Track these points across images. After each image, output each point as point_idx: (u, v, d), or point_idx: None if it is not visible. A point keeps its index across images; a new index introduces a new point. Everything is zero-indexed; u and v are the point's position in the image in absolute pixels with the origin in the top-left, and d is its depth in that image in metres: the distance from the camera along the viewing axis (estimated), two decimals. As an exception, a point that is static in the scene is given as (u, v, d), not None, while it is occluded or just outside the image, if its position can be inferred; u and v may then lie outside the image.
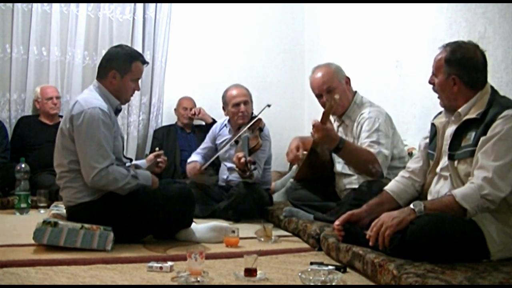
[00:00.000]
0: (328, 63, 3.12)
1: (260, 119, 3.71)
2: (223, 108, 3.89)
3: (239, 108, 3.76)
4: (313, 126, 2.67)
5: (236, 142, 3.68)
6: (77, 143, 2.58)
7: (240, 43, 5.21)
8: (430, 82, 2.25)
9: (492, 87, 2.16)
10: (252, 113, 3.87)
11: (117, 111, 2.81)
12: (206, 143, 4.06)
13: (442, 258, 1.90)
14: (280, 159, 4.52)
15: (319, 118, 2.72)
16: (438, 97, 2.24)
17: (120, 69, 2.71)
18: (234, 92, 3.81)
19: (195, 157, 3.97)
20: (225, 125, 3.97)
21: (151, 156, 3.07)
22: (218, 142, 3.98)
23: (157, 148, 3.21)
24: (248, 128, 3.63)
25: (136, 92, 2.90)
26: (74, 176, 2.61)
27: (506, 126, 1.98)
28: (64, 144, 2.63)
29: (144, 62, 2.81)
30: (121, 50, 2.80)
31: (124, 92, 2.77)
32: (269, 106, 3.65)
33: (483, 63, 2.15)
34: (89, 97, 2.67)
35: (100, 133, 2.57)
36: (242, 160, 3.29)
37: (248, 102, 3.79)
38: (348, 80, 3.07)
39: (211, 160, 3.74)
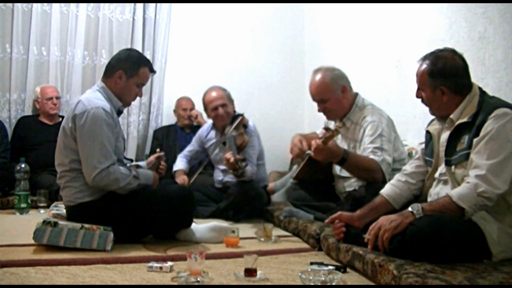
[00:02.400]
0: (326, 69, 3.04)
1: (243, 117, 3.70)
2: (205, 110, 3.90)
3: (217, 112, 3.76)
4: (314, 149, 2.65)
5: (224, 143, 3.68)
6: (79, 143, 2.59)
7: (240, 43, 5.21)
8: (417, 96, 2.26)
9: (480, 88, 2.17)
10: (235, 111, 3.85)
11: (119, 112, 2.82)
12: (193, 146, 4.07)
13: (442, 259, 1.90)
14: (280, 159, 4.52)
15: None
16: (429, 110, 2.25)
17: (128, 70, 2.74)
18: (210, 95, 3.80)
19: (180, 164, 3.97)
20: (211, 128, 3.96)
21: (152, 158, 3.07)
22: (207, 146, 3.98)
23: (157, 149, 3.20)
24: (233, 127, 3.64)
25: None
26: (75, 176, 2.62)
27: (496, 125, 1.99)
28: (65, 143, 2.64)
29: (152, 70, 2.85)
30: (132, 53, 2.87)
31: (127, 95, 2.78)
32: (241, 115, 3.68)
33: (464, 67, 2.16)
34: (92, 97, 2.68)
35: (102, 133, 2.57)
36: (231, 160, 3.29)
37: (225, 104, 3.77)
38: (344, 88, 2.99)
39: (198, 172, 3.74)
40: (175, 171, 3.92)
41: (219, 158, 3.81)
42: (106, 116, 2.60)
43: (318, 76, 3.01)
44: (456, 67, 2.14)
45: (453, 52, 2.18)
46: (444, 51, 2.18)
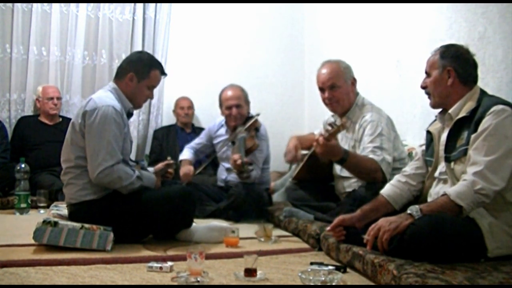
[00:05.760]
0: (339, 60, 3.11)
1: (256, 120, 3.71)
2: (220, 106, 3.89)
3: (231, 111, 3.77)
4: (316, 141, 2.66)
5: (233, 142, 3.68)
6: (87, 139, 2.60)
7: (240, 43, 5.21)
8: (422, 87, 2.28)
9: (480, 88, 2.20)
10: (249, 113, 3.86)
11: (129, 114, 2.83)
12: (201, 139, 4.06)
13: (441, 258, 1.90)
14: (280, 159, 4.50)
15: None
16: (429, 97, 2.26)
17: (139, 73, 2.75)
18: (228, 94, 3.81)
19: (187, 154, 3.96)
20: (222, 125, 3.97)
21: (161, 165, 3.05)
22: (215, 142, 3.99)
23: (169, 157, 3.17)
24: (244, 129, 3.63)
25: None
26: (80, 173, 2.63)
27: (494, 121, 2.00)
28: (73, 139, 2.65)
29: (163, 73, 2.85)
30: (143, 55, 2.88)
31: (138, 97, 2.80)
32: (258, 115, 3.70)
33: (474, 61, 2.21)
34: (104, 96, 2.70)
35: (111, 131, 2.59)
36: (239, 162, 3.29)
37: (241, 105, 3.77)
38: (354, 81, 3.06)
39: (204, 165, 3.73)
40: (180, 160, 3.90)
41: (225, 156, 3.81)
42: (116, 115, 2.62)
43: (331, 64, 3.06)
44: (467, 56, 2.20)
45: (467, 48, 2.24)
46: (459, 44, 2.28)
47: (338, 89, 2.99)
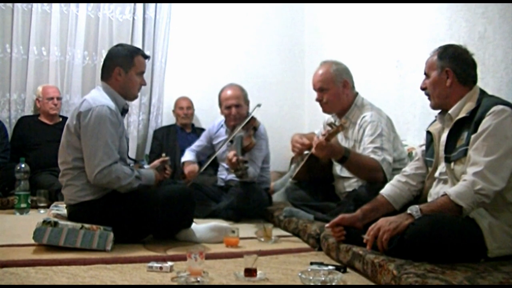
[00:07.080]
0: (334, 61, 3.13)
1: (254, 119, 3.70)
2: (219, 106, 3.89)
3: (230, 111, 3.77)
4: (316, 145, 2.66)
5: (231, 142, 3.69)
6: (83, 140, 2.60)
7: (240, 43, 5.21)
8: (422, 88, 2.29)
9: (480, 88, 2.20)
10: (248, 112, 3.86)
11: (124, 111, 2.83)
12: (201, 141, 4.08)
13: (441, 258, 1.90)
14: (280, 159, 4.53)
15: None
16: (429, 98, 2.26)
17: (124, 65, 2.74)
18: (227, 93, 3.81)
19: (189, 156, 3.98)
20: (222, 125, 3.97)
21: (156, 162, 3.05)
22: (215, 142, 3.99)
23: (163, 154, 3.17)
24: (242, 128, 3.63)
25: None
26: (78, 174, 2.62)
27: (494, 121, 2.00)
28: (69, 141, 2.64)
29: (145, 56, 2.86)
30: (121, 47, 2.87)
31: (131, 87, 2.79)
32: (259, 105, 3.66)
33: (473, 61, 2.21)
34: (98, 96, 2.69)
35: (106, 131, 2.58)
36: (234, 159, 3.30)
37: (240, 105, 3.78)
38: (346, 83, 3.04)
39: (209, 162, 3.74)
40: (183, 162, 3.92)
41: (225, 156, 3.81)
42: (111, 114, 2.61)
43: (324, 66, 3.10)
44: (466, 56, 2.20)
45: (465, 48, 2.24)
46: (458, 45, 2.28)
47: (327, 91, 3.03)
